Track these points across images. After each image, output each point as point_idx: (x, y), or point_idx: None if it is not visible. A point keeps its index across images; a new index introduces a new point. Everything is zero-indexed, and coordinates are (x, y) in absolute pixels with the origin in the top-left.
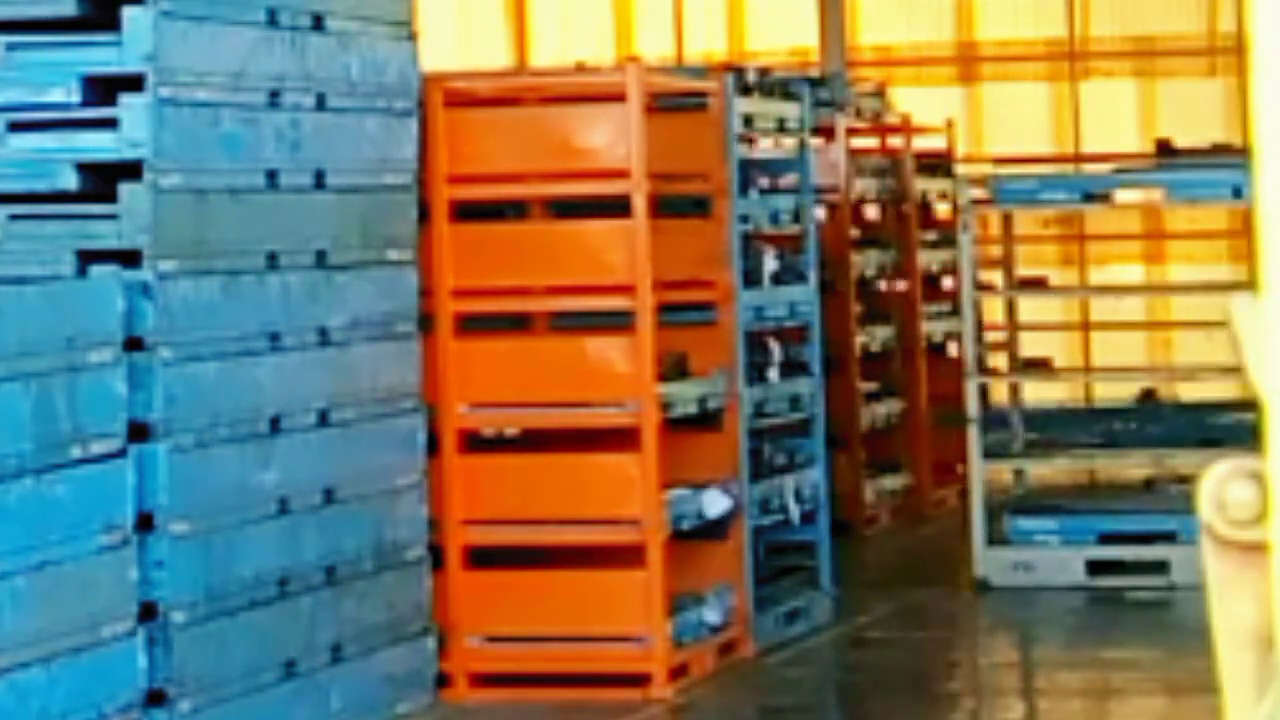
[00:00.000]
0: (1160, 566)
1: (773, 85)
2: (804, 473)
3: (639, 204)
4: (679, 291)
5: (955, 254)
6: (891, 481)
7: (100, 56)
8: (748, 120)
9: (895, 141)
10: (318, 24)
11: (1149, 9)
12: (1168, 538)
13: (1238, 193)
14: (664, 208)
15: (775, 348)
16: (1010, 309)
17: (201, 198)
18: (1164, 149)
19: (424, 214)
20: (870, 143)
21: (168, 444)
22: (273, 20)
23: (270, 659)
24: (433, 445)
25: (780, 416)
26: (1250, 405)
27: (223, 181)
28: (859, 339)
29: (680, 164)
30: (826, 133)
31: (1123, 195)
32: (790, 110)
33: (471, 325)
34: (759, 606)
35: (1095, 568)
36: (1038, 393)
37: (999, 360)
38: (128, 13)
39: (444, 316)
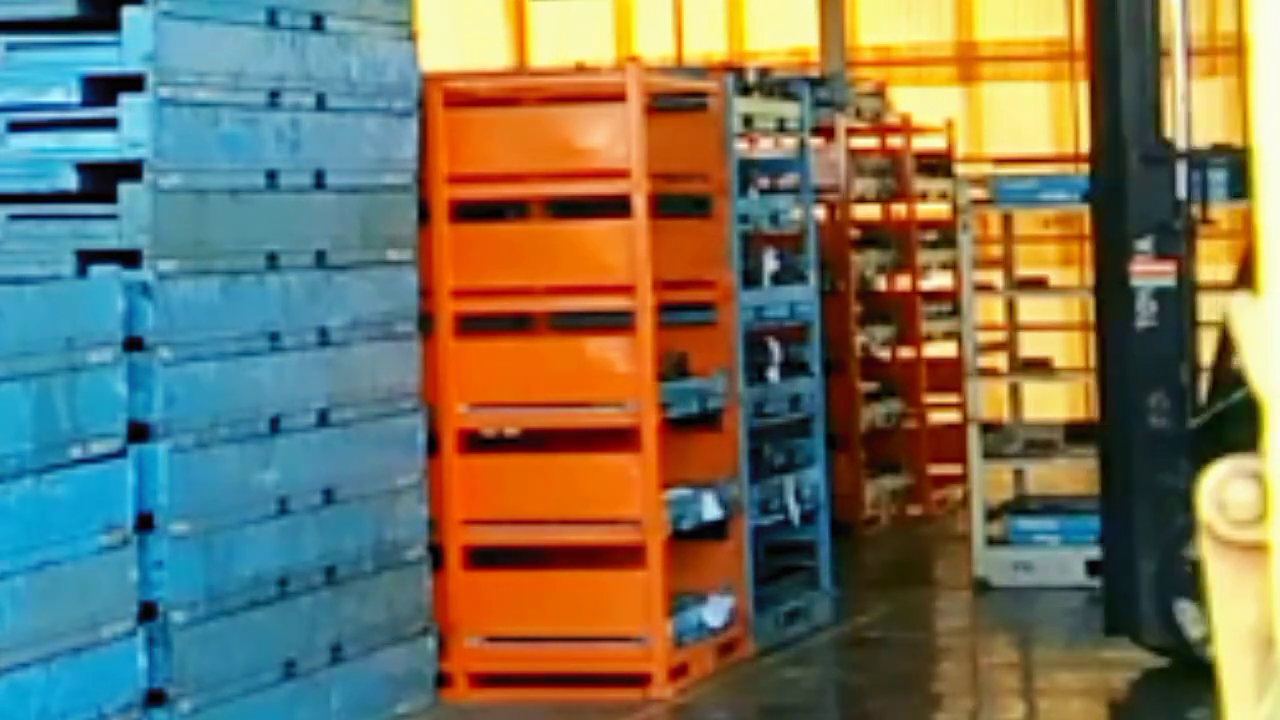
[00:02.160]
0: None
1: (773, 85)
2: (804, 473)
3: (639, 204)
4: (679, 291)
5: (955, 254)
6: (891, 481)
7: (100, 56)
8: (748, 120)
9: (895, 141)
10: (318, 24)
11: None
12: None
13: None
14: (664, 208)
15: (775, 348)
16: (1010, 309)
17: (201, 198)
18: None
19: (424, 214)
20: (870, 143)
21: (168, 444)
22: (273, 20)
23: (270, 659)
24: (433, 445)
25: (780, 416)
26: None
27: (223, 181)
28: (859, 339)
29: (680, 164)
30: (826, 133)
31: None
32: (790, 110)
33: (471, 325)
34: (759, 606)
35: (1095, 568)
36: (1037, 392)
37: (999, 360)
38: (128, 13)
39: (444, 316)
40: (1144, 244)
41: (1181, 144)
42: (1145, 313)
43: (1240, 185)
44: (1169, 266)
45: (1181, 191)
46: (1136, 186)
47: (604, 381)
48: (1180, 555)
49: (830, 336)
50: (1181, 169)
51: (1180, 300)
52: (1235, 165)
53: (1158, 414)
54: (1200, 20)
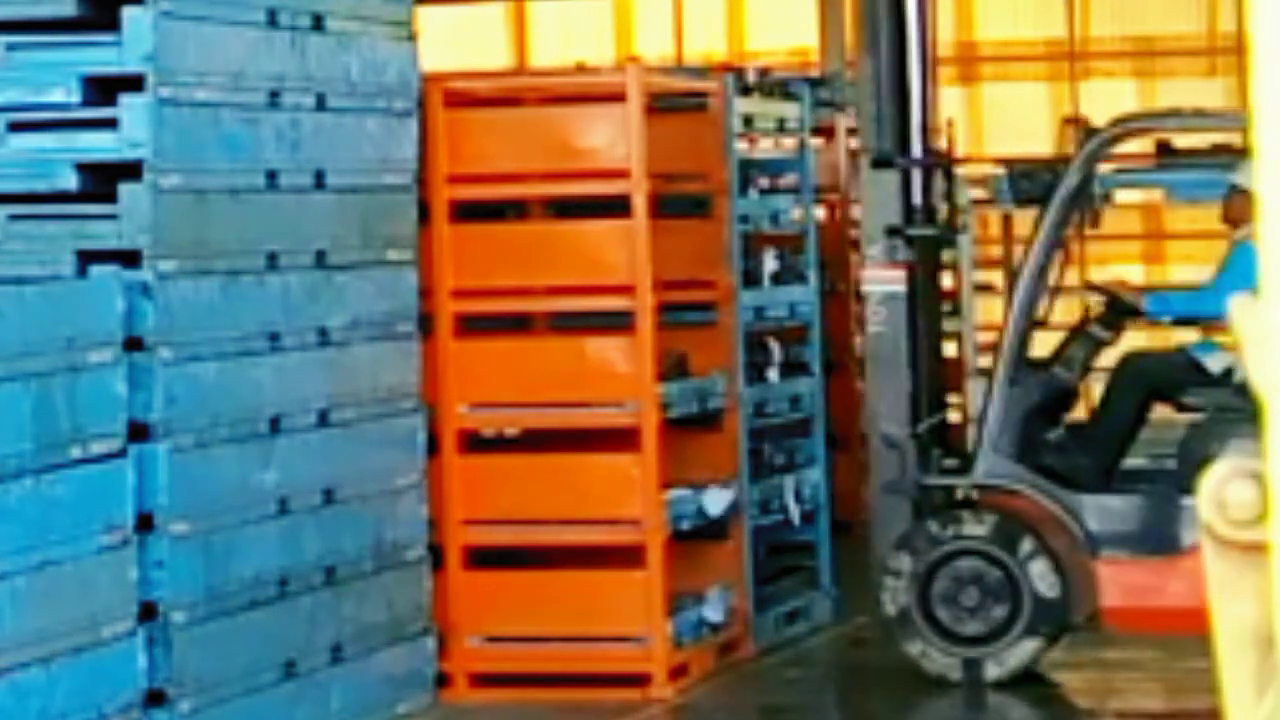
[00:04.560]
0: None
1: (773, 85)
2: (804, 473)
3: (639, 204)
4: (679, 291)
5: (955, 254)
6: None
7: (100, 56)
8: (748, 120)
9: None
10: (318, 24)
11: (1149, 9)
12: None
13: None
14: (664, 208)
15: (775, 348)
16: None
17: (201, 198)
18: (1164, 149)
19: (424, 214)
20: None
21: (168, 444)
22: (273, 20)
23: (270, 659)
24: (433, 445)
25: (780, 416)
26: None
27: (223, 181)
28: (859, 339)
29: (680, 164)
30: (826, 133)
31: (1123, 195)
32: (790, 110)
33: (471, 325)
34: (759, 606)
35: None
36: None
37: None
38: (128, 13)
39: (444, 316)
40: (873, 250)
41: (917, 150)
42: (874, 318)
43: (1018, 192)
44: (897, 273)
45: (916, 198)
46: (869, 192)
47: (604, 381)
48: (893, 555)
49: (830, 336)
50: (916, 176)
51: (911, 306)
52: (1020, 172)
53: (887, 419)
54: (1200, 20)
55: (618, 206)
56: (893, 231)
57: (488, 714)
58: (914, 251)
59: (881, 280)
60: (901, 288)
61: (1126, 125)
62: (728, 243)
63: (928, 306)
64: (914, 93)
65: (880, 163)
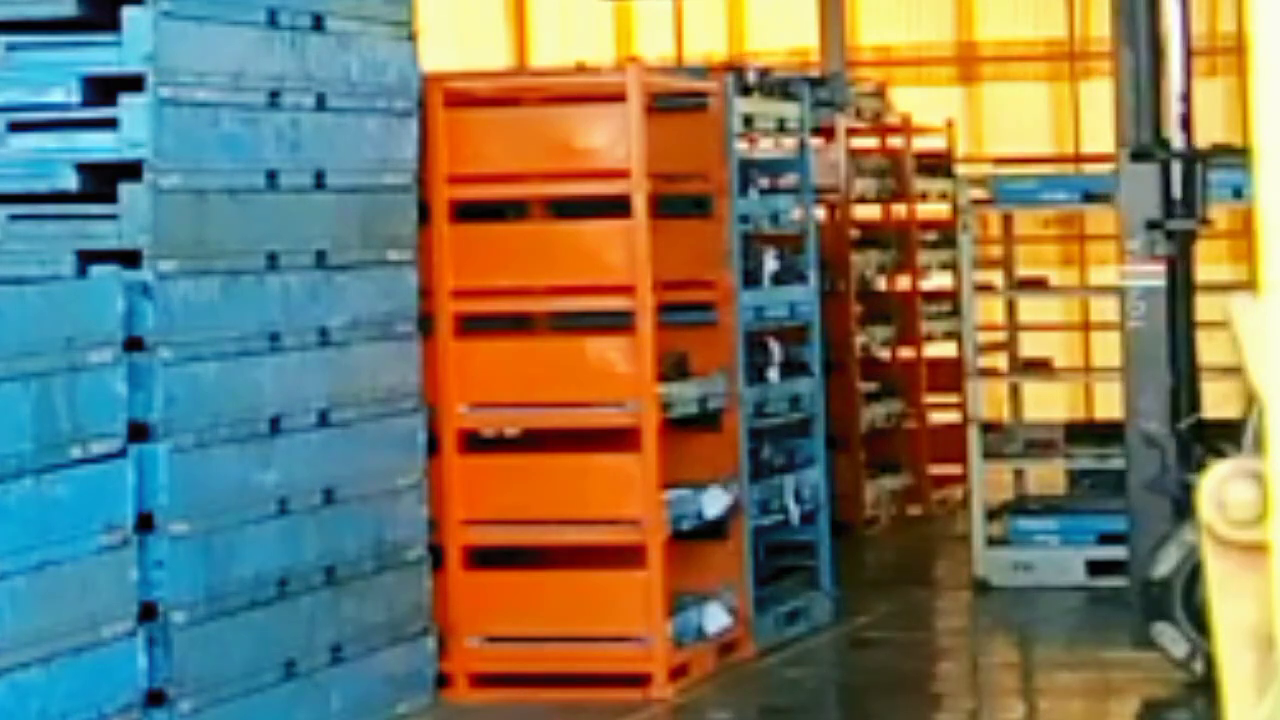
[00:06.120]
0: None
1: (773, 85)
2: (804, 473)
3: (639, 204)
4: (679, 291)
5: (955, 254)
6: (891, 481)
7: (100, 56)
8: (748, 120)
9: (895, 141)
10: (318, 24)
11: None
12: None
13: (1238, 193)
14: (664, 208)
15: (775, 348)
16: (1010, 309)
17: (201, 198)
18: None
19: (424, 214)
20: (870, 143)
21: (168, 444)
22: (273, 20)
23: (270, 659)
24: (433, 445)
25: (780, 416)
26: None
27: (223, 181)
28: (859, 339)
29: (680, 164)
30: (826, 133)
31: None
32: (790, 110)
33: (471, 325)
34: (759, 606)
35: (1095, 568)
36: (1037, 392)
37: (999, 360)
38: (128, 13)
39: (444, 316)
40: (1134, 243)
41: (1177, 143)
42: (1134, 312)
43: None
44: (1158, 266)
45: (1175, 191)
46: (1127, 185)
47: (604, 381)
48: (1158, 551)
49: (830, 336)
50: (1176, 168)
51: (1170, 301)
52: (1240, 166)
53: (1146, 416)
54: (1200, 20)
55: (618, 206)
56: (1153, 225)
57: (488, 714)
58: (1173, 245)
59: (1142, 274)
60: (1162, 282)
61: None
62: (728, 243)
63: (1187, 301)
64: (1173, 85)
65: (1140, 155)
